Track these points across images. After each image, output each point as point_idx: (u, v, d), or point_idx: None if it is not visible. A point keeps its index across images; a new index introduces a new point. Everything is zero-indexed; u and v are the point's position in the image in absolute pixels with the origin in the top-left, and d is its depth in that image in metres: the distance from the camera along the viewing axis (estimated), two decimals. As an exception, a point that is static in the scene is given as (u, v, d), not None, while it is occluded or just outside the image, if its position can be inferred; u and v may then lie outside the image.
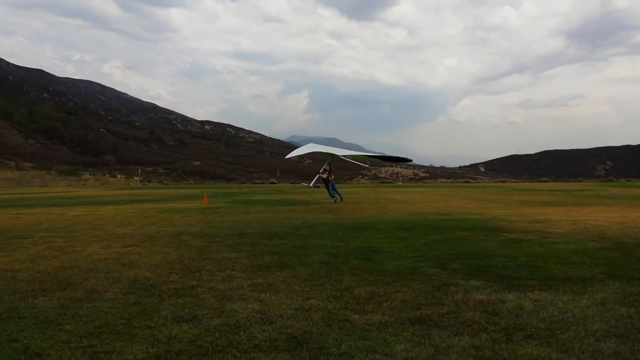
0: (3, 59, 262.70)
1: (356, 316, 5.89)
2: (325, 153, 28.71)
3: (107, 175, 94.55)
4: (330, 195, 25.55)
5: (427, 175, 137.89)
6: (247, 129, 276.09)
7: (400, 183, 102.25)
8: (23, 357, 4.72)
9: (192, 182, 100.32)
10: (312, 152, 31.13)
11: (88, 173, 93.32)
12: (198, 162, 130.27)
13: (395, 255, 9.95)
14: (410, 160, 49.40)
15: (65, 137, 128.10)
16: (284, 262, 9.42)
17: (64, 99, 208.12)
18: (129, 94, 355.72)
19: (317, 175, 26.72)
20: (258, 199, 35.63)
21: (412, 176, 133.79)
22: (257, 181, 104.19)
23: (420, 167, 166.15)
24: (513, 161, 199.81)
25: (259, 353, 4.79)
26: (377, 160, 40.19)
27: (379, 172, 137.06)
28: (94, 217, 20.33)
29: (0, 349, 4.91)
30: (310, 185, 28.52)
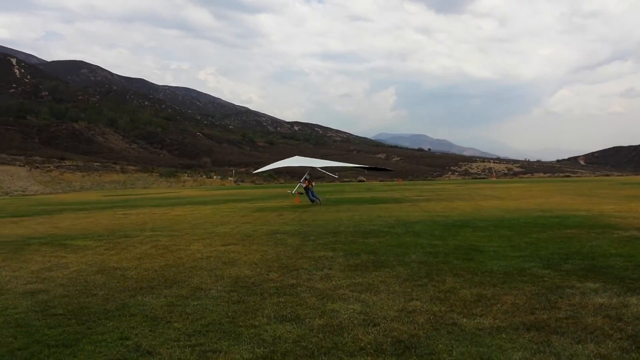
0: (108, 71, 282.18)
1: (465, 320, 5.58)
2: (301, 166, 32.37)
3: (204, 177, 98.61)
4: (310, 200, 27.76)
5: (522, 169, 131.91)
6: (335, 128, 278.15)
7: (494, 178, 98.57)
8: (135, 355, 4.85)
9: (282, 181, 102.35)
10: (287, 166, 34.24)
11: (186, 175, 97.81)
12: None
13: (499, 255, 9.44)
14: (392, 170, 49.13)
15: (165, 141, 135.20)
16: (381, 261, 9.21)
17: (163, 106, 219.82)
18: (223, 99, 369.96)
19: (298, 184, 29.76)
20: (348, 197, 35.60)
21: (506, 171, 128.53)
22: (346, 179, 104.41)
23: (515, 161, 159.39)
24: (616, 153, 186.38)
25: (365, 357, 4.62)
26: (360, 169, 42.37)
27: (470, 167, 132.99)
28: (194, 216, 21.13)
29: (113, 347, 5.08)
30: (293, 192, 30.99)
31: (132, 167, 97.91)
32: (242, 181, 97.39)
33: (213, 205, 29.51)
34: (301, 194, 29.14)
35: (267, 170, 41.47)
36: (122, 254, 11.07)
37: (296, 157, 36.75)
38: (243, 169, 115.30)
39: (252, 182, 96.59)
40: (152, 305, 6.59)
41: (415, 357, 4.58)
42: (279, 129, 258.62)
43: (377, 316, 5.82)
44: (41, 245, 12.84)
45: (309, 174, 29.07)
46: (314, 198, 27.74)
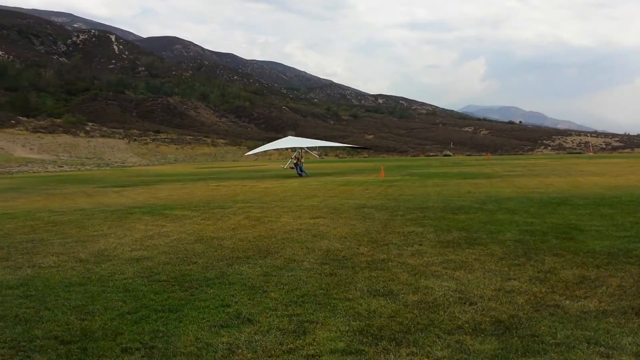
0: (200, 46, 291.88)
1: (567, 302, 5.34)
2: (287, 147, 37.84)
3: (289, 150, 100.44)
4: (298, 174, 31.68)
5: (622, 144, 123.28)
6: (420, 100, 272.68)
7: (591, 153, 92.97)
8: (236, 322, 5.05)
9: (366, 155, 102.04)
10: (277, 148, 39.29)
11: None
12: (371, 136, 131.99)
13: (601, 235, 8.92)
14: (370, 149, 56.00)
15: (253, 115, 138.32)
16: (474, 238, 8.99)
17: (251, 80, 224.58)
18: (308, 72, 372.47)
19: (290, 160, 34.27)
20: (434, 171, 34.93)
21: (604, 145, 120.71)
22: (430, 153, 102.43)
23: (614, 135, 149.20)
24: None
25: (464, 335, 4.54)
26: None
27: (564, 141, 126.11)
28: (281, 189, 21.59)
29: (215, 313, 5.31)
30: (285, 167, 35.61)
31: (222, 141, 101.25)
32: (326, 155, 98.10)
33: (299, 178, 29.99)
34: (292, 168, 32.91)
35: (259, 152, 45.43)
36: (218, 224, 11.52)
37: (289, 138, 40.44)
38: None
39: (336, 155, 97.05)
40: (249, 275, 6.82)
41: (516, 339, 4.44)
42: (363, 102, 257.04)
43: (473, 295, 5.70)
44: (142, 215, 13.62)
45: (299, 153, 33.81)
46: (302, 172, 31.74)
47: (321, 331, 4.72)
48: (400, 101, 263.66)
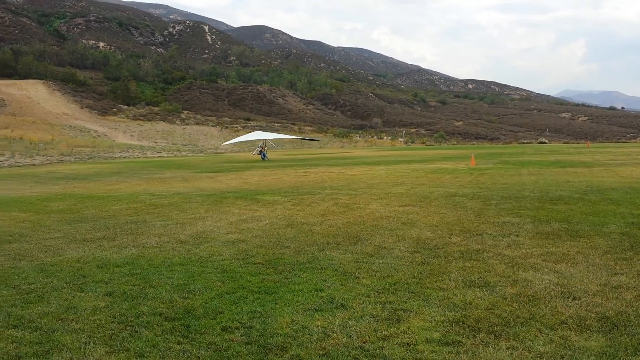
0: (289, 34, 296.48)
1: (685, 301, 4.94)
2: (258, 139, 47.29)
3: (375, 137, 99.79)
4: (262, 159, 40.17)
5: None
6: (513, 85, 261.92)
7: None
8: (329, 306, 5.11)
9: (454, 142, 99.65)
10: (249, 140, 47.94)
11: (358, 135, 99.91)
12: (460, 122, 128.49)
13: None
14: (318, 140, 62.71)
15: (339, 102, 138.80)
16: (575, 230, 8.52)
17: (337, 67, 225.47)
18: (395, 58, 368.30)
19: (257, 148, 44.13)
20: (529, 159, 33.44)
21: None
22: (524, 141, 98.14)
23: None
24: None
25: (568, 331, 4.33)
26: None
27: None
28: (368, 176, 21.54)
29: (309, 297, 5.39)
30: (253, 153, 44.73)
31: (309, 128, 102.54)
32: (413, 142, 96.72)
33: (386, 165, 29.77)
34: (259, 154, 42.32)
35: (234, 144, 52.90)
36: (307, 210, 11.69)
37: (257, 132, 52.01)
38: (414, 130, 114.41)
39: (423, 143, 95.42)
40: (340, 261, 6.87)
41: (625, 337, 4.17)
42: (451, 87, 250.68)
43: (576, 289, 5.41)
44: (236, 199, 14.09)
45: (264, 143, 44.65)
46: (264, 157, 40.95)
47: (415, 320, 4.67)
48: (491, 86, 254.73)
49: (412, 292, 5.44)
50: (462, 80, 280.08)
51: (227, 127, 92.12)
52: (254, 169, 28.62)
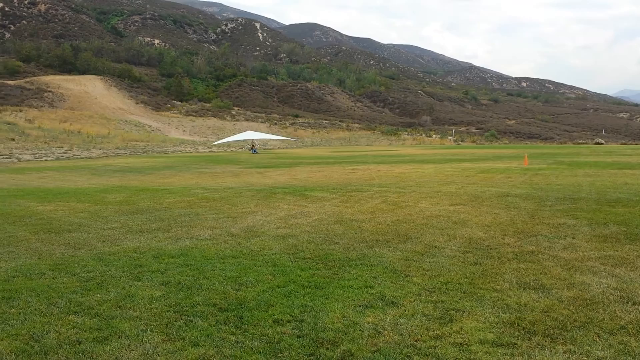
0: (339, 32, 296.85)
1: None
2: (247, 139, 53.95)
3: (423, 135, 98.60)
4: (253, 153, 47.61)
5: None
6: (569, 84, 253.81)
7: None
8: (380, 303, 5.09)
9: (506, 141, 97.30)
10: (241, 139, 53.44)
11: (406, 133, 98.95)
12: (513, 121, 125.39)
13: None
14: (296, 139, 66.69)
15: (387, 100, 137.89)
16: (634, 233, 8.20)
17: (387, 65, 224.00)
18: (446, 55, 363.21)
19: (247, 146, 53.23)
20: (585, 160, 32.32)
21: None
22: (580, 141, 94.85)
23: None
24: None
25: (627, 337, 4.18)
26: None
27: None
28: (417, 174, 21.32)
29: (359, 293, 5.40)
30: (249, 150, 51.41)
31: (357, 125, 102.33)
32: (462, 140, 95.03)
33: (435, 164, 29.38)
34: (250, 150, 50.91)
35: (224, 143, 55.66)
36: (356, 207, 11.68)
37: (248, 132, 57.95)
38: (464, 128, 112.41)
39: (473, 141, 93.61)
40: (390, 258, 6.84)
41: (692, 347, 3.99)
42: (504, 85, 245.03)
43: (636, 294, 5.22)
44: (285, 195, 14.22)
45: (254, 142, 53.03)
46: (254, 152, 48.81)
47: (468, 320, 4.60)
48: (546, 84, 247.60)
49: (464, 292, 5.36)
50: (516, 78, 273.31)
51: (275, 124, 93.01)
52: (302, 165, 28.79)
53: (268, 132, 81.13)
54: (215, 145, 56.47)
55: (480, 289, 5.48)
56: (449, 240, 7.95)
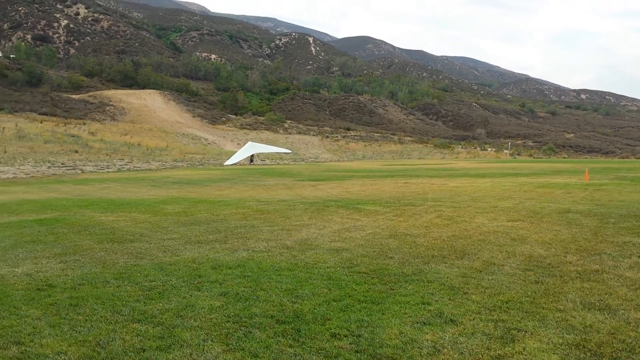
0: (391, 44, 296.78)
1: None
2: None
3: (478, 149, 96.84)
4: (250, 162, 51.99)
5: None
6: (630, 96, 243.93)
7: None
8: (438, 321, 5.03)
9: (565, 155, 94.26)
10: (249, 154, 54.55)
11: (460, 146, 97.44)
12: (571, 134, 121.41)
13: None
14: (290, 152, 68.28)
15: (440, 112, 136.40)
16: None
17: (440, 77, 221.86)
18: (501, 67, 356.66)
19: (249, 158, 54.25)
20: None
21: None
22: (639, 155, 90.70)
23: None
24: None
25: None
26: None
27: None
28: (473, 188, 20.92)
29: (416, 310, 5.34)
30: (249, 163, 53.11)
31: (409, 138, 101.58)
32: (519, 154, 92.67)
33: (491, 178, 28.76)
34: (251, 162, 53.55)
35: (237, 162, 54.07)
36: (410, 221, 11.57)
37: (249, 143, 58.47)
38: (520, 141, 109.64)
39: (530, 155, 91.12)
40: (447, 275, 6.74)
41: None
42: (562, 97, 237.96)
43: None
44: (337, 208, 14.25)
45: (253, 155, 54.97)
46: (253, 162, 52.47)
47: (531, 341, 4.48)
48: (606, 97, 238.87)
49: (526, 312, 5.22)
50: (574, 90, 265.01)
51: (327, 137, 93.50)
52: (354, 179, 28.79)
53: (320, 145, 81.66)
54: (226, 165, 50.62)
55: (543, 308, 5.32)
56: (508, 257, 7.76)
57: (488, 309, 5.33)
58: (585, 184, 23.00)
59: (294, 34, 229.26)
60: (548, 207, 13.95)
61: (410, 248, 8.54)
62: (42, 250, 8.59)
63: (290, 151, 69.63)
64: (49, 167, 38.68)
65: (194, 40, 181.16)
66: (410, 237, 9.52)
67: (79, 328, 4.94)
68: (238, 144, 79.42)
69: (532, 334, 4.63)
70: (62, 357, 4.31)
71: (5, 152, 44.54)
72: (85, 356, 4.34)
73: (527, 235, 9.65)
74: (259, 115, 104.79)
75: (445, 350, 4.30)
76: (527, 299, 5.65)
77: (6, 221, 12.13)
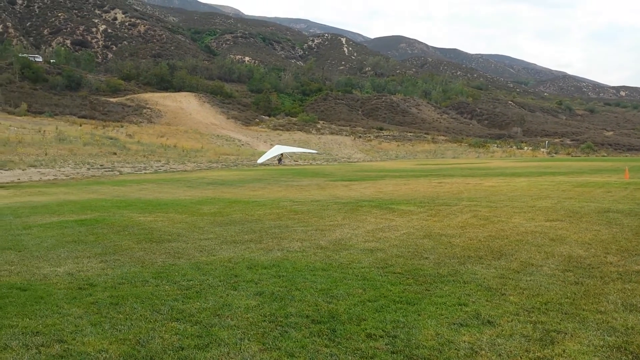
0: (424, 43, 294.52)
1: None
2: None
3: (514, 147, 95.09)
4: (279, 163, 53.07)
5: None
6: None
7: None
8: (475, 322, 4.97)
9: (604, 154, 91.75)
10: (278, 153, 55.39)
11: (495, 145, 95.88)
12: (611, 132, 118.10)
13: None
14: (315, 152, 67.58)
15: (475, 111, 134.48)
16: None
17: (475, 75, 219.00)
18: (538, 64, 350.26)
19: (278, 157, 54.78)
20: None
21: None
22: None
23: None
24: None
25: None
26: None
27: None
28: (509, 188, 20.58)
29: (452, 311, 5.29)
30: (278, 163, 53.73)
31: (442, 137, 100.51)
32: (556, 152, 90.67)
33: (528, 177, 28.23)
34: (279, 161, 54.28)
35: (268, 159, 55.53)
36: (445, 221, 11.46)
37: (277, 146, 59.19)
38: (557, 140, 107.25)
39: (568, 154, 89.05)
40: (484, 275, 6.65)
41: None
42: (601, 95, 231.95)
43: None
44: (371, 208, 14.21)
45: (281, 155, 55.57)
46: (281, 162, 52.01)
47: (571, 343, 4.39)
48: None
49: (565, 313, 5.12)
50: (613, 87, 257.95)
51: (360, 137, 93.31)
52: (387, 178, 28.66)
53: (352, 145, 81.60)
54: (258, 164, 53.79)
55: (583, 310, 5.21)
56: (547, 258, 7.62)
57: (526, 310, 5.25)
58: (626, 183, 22.36)
59: (326, 34, 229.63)
60: (587, 207, 13.62)
61: (446, 248, 8.46)
62: (83, 250, 8.83)
63: (316, 151, 69.92)
64: (88, 169, 39.72)
65: (228, 43, 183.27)
66: (445, 238, 9.44)
67: (120, 326, 5.06)
68: (271, 144, 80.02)
69: (572, 336, 4.54)
70: (104, 355, 4.42)
71: (46, 154, 45.90)
72: (126, 354, 4.45)
73: (566, 235, 9.44)
74: (291, 116, 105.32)
75: (483, 352, 4.25)
76: (566, 300, 5.53)
77: (48, 222, 12.51)
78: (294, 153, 63.41)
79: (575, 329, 4.71)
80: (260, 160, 54.44)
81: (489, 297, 5.72)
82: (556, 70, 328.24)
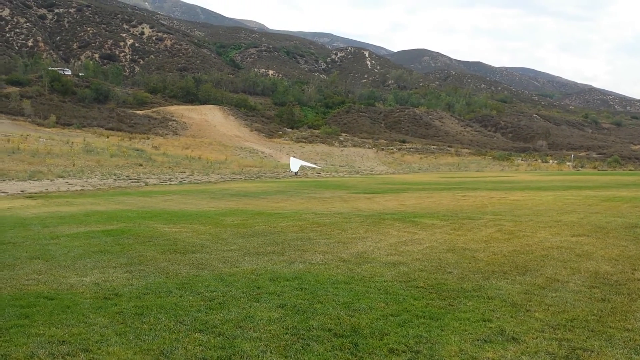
0: (448, 56, 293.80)
1: None
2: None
3: (539, 161, 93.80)
4: (294, 174, 55.33)
5: None
6: None
7: None
8: (500, 338, 4.92)
9: (631, 168, 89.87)
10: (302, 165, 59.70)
11: (520, 158, 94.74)
12: (638, 146, 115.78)
13: None
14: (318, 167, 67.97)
15: (499, 124, 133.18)
16: None
17: (499, 88, 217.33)
18: (563, 77, 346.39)
19: (298, 168, 57.81)
20: None
21: None
22: None
23: None
24: None
25: None
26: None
27: None
28: (534, 202, 20.32)
29: (476, 327, 5.25)
30: (296, 174, 55.78)
31: (466, 150, 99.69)
32: (582, 166, 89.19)
33: (553, 191, 27.82)
34: (295, 174, 55.22)
35: (300, 170, 58.72)
36: (469, 235, 11.37)
37: (293, 159, 63.94)
38: (583, 153, 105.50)
39: (594, 167, 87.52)
40: (509, 291, 6.58)
41: None
42: (628, 108, 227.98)
43: None
44: (394, 221, 14.16)
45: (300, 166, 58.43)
46: (297, 174, 53.87)
47: (598, 361, 4.32)
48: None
49: (592, 331, 5.04)
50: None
51: (382, 149, 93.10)
52: (410, 191, 28.53)
53: (375, 158, 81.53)
54: (292, 171, 57.61)
55: (610, 327, 5.12)
56: (573, 273, 7.50)
57: (552, 327, 5.17)
58: (656, 198, 21.88)
59: (349, 48, 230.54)
60: (614, 222, 13.38)
61: (470, 263, 8.39)
62: (108, 260, 8.96)
63: (319, 166, 70.24)
64: (115, 180, 40.34)
65: (253, 56, 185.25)
66: (469, 252, 9.35)
67: (144, 337, 5.12)
68: (293, 156, 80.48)
69: (598, 354, 4.47)
70: (129, 364, 4.48)
71: (74, 165, 46.79)
72: (150, 364, 4.50)
73: (592, 250, 9.29)
74: (314, 129, 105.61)
75: (507, 368, 4.21)
76: (593, 317, 5.44)
77: (75, 232, 12.74)
78: (304, 166, 64.42)
79: (602, 346, 4.63)
80: (294, 169, 57.93)
81: (514, 313, 5.66)
82: (582, 84, 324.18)
